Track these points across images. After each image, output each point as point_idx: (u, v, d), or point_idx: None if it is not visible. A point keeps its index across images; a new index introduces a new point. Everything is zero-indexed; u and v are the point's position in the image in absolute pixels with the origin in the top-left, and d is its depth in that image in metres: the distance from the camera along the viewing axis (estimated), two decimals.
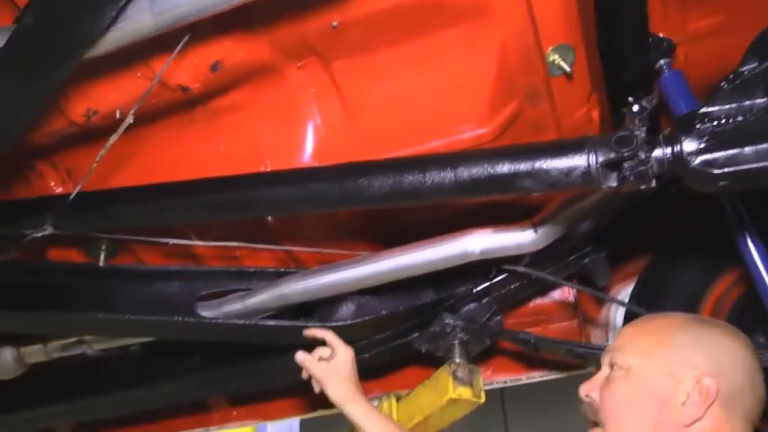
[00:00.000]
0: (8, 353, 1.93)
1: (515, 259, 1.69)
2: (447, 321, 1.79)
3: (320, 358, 1.64)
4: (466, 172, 1.25)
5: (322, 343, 1.66)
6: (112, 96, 1.40)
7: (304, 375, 1.67)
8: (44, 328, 1.79)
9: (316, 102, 1.56)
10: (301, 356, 1.65)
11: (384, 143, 1.55)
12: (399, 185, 1.28)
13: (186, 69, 1.37)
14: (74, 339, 1.90)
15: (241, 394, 2.23)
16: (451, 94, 1.55)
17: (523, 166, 1.23)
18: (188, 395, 2.09)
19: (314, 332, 1.67)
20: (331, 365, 1.63)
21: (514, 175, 1.24)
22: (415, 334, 1.84)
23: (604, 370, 1.22)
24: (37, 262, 1.77)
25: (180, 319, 1.70)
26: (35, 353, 1.94)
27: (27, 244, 1.73)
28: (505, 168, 1.24)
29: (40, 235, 1.57)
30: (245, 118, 1.58)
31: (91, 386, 2.09)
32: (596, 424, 1.19)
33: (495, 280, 1.78)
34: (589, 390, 1.21)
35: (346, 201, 1.34)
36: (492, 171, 1.25)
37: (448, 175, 1.26)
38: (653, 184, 1.20)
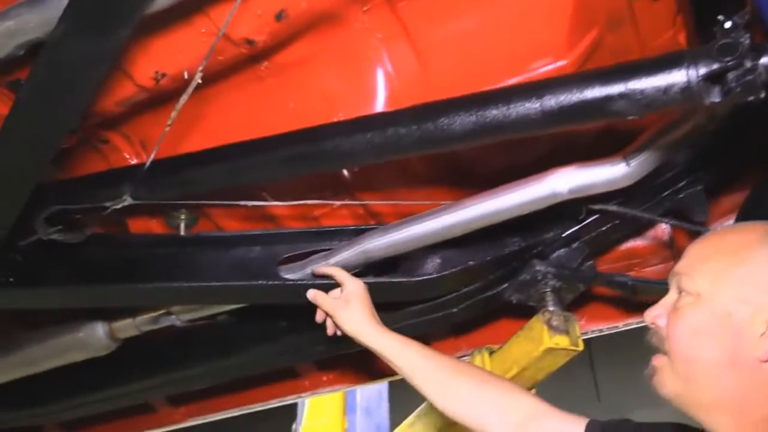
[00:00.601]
0: (100, 329, 1.95)
1: (605, 199, 1.59)
2: (537, 268, 1.72)
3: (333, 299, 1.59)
4: (553, 100, 1.18)
5: None
6: (178, 56, 1.36)
7: (319, 317, 1.62)
8: (131, 301, 1.80)
9: (384, 47, 1.49)
10: (312, 292, 1.60)
11: (458, 85, 1.46)
12: (482, 121, 1.21)
13: (250, 20, 1.32)
14: (162, 311, 1.90)
15: (329, 358, 2.21)
16: (526, 27, 1.46)
17: (615, 87, 1.14)
18: (276, 361, 2.08)
19: (323, 270, 1.63)
20: (341, 297, 1.57)
21: (606, 99, 1.15)
22: (505, 285, 1.78)
23: (672, 295, 1.10)
24: (120, 236, 1.77)
25: (264, 283, 1.68)
26: (126, 328, 1.95)
27: (108, 219, 1.75)
28: (595, 92, 1.16)
29: (119, 206, 1.57)
30: (313, 70, 1.52)
31: (182, 358, 2.11)
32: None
33: (585, 222, 1.68)
34: (655, 317, 1.10)
35: (426, 143, 1.27)
36: (581, 96, 1.16)
37: (533, 105, 1.19)
38: (762, 94, 1.09)
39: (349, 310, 1.55)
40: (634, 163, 1.43)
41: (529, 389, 1.94)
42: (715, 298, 1.03)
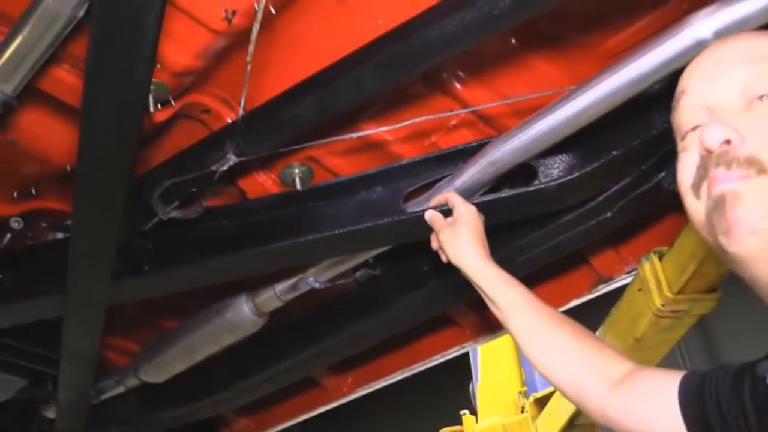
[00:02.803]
0: (245, 307, 1.92)
1: None
2: None
3: None
4: None
5: None
6: None
7: (434, 243, 1.50)
8: (263, 265, 1.72)
9: None
10: (429, 213, 1.49)
11: None
12: None
13: None
14: (299, 276, 1.83)
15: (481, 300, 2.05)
16: None
17: None
18: (427, 309, 1.95)
19: (438, 200, 1.51)
20: (449, 222, 1.45)
21: None
22: (662, 174, 1.53)
23: (728, 100, 0.89)
24: (237, 204, 1.71)
25: (391, 220, 1.56)
26: (269, 300, 1.90)
27: (224, 188, 1.69)
28: None
29: (226, 167, 1.50)
30: None
31: (331, 324, 2.04)
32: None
33: None
34: (729, 129, 0.86)
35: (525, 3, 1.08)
36: None
37: None
38: None
39: (454, 235, 1.43)
40: None
41: (715, 288, 1.69)
42: None
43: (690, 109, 0.93)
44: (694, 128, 0.92)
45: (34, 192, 1.78)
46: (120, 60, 1.13)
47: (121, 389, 2.36)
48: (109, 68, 1.16)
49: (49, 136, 1.56)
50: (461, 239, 1.42)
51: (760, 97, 0.87)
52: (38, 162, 1.63)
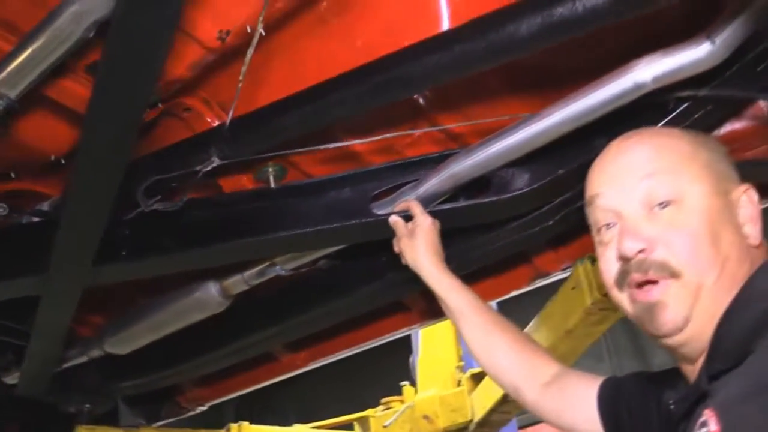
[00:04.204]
0: (213, 288, 2.05)
1: (694, 84, 1.52)
2: None
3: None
4: None
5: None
6: (238, 10, 1.38)
7: (396, 247, 1.69)
8: (235, 257, 1.87)
9: None
10: (393, 218, 1.67)
11: None
12: (549, 20, 1.17)
13: None
14: (266, 263, 1.97)
15: None
16: None
17: None
18: (383, 296, 2.12)
19: (401, 206, 1.68)
20: (408, 228, 1.64)
21: None
22: None
23: (633, 211, 1.08)
24: (215, 197, 1.84)
25: (358, 221, 1.72)
26: (236, 284, 2.04)
27: (202, 183, 1.81)
28: None
29: (209, 168, 1.62)
30: (373, 2, 1.51)
31: (294, 306, 2.19)
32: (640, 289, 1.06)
33: (675, 111, 1.61)
34: (642, 241, 1.05)
35: (495, 54, 1.25)
36: None
37: None
38: None
39: (412, 241, 1.63)
40: (719, 40, 1.35)
41: None
42: (701, 199, 1.06)
43: (603, 210, 1.13)
44: (608, 225, 1.12)
45: (13, 176, 1.87)
46: (127, 81, 1.25)
47: (84, 359, 2.46)
48: (115, 85, 1.27)
49: (40, 130, 1.65)
50: (418, 249, 1.62)
51: (660, 204, 1.07)
52: (26, 151, 1.71)
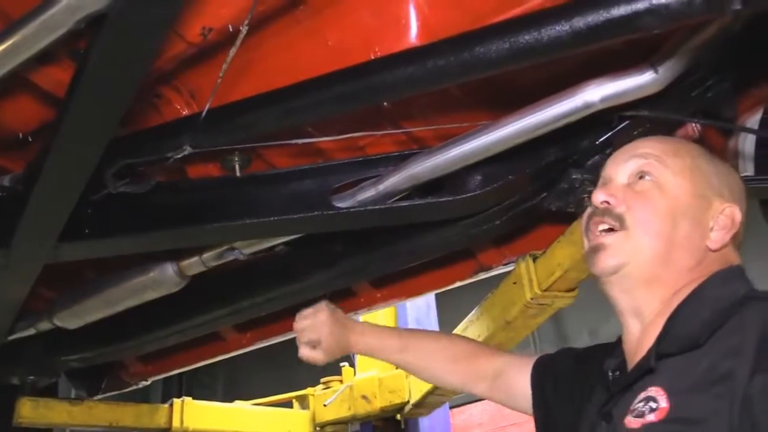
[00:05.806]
0: (170, 268, 2.11)
1: (636, 105, 1.67)
2: (574, 176, 1.80)
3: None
4: (581, 21, 1.24)
5: None
6: (222, 10, 1.45)
7: (301, 353, 1.73)
8: (196, 241, 1.94)
9: None
10: (304, 355, 1.73)
11: (489, 8, 1.53)
12: (516, 46, 1.29)
13: None
14: (226, 247, 2.05)
15: (381, 276, 2.36)
16: None
17: (641, 4, 1.20)
18: (334, 284, 2.22)
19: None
20: (316, 342, 1.70)
21: (633, 15, 1.21)
22: (544, 194, 1.87)
23: (620, 178, 1.27)
24: (181, 181, 1.90)
25: (318, 213, 1.80)
26: (193, 265, 2.11)
27: (169, 168, 1.87)
28: (621, 10, 1.22)
29: (181, 155, 1.68)
30: (347, 8, 1.60)
31: (247, 289, 2.27)
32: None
33: (617, 128, 1.76)
34: (610, 196, 1.24)
35: (464, 72, 1.36)
36: (608, 15, 1.23)
37: (563, 27, 1.25)
38: None
39: (328, 351, 1.70)
40: (662, 69, 1.50)
41: (573, 288, 2.07)
42: (678, 190, 1.21)
43: (602, 177, 1.33)
44: None
45: None
46: (116, 73, 1.30)
47: (31, 331, 2.48)
48: (104, 76, 1.32)
49: (11, 109, 1.68)
50: (335, 346, 1.69)
51: (638, 176, 1.25)
52: None
